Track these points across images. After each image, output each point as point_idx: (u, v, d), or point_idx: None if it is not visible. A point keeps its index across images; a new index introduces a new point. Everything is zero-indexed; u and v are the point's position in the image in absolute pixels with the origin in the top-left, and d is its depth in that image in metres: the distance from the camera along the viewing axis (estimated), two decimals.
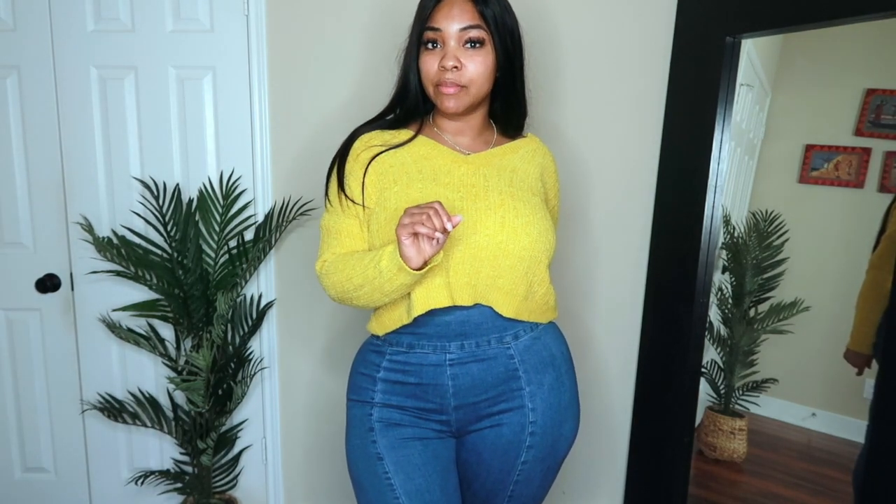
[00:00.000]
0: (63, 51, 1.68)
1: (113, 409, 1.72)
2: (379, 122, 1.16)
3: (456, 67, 1.04)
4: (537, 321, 1.12)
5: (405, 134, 1.14)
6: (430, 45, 1.06)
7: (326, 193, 1.14)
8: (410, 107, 1.14)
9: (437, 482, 1.06)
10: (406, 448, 1.06)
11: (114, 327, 1.66)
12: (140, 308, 1.71)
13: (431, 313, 1.05)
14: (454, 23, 1.03)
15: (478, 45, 1.04)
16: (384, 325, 1.10)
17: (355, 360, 1.19)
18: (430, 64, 1.06)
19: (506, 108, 1.17)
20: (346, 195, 1.10)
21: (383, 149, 1.11)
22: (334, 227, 1.12)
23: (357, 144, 1.13)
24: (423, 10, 1.07)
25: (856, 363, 1.44)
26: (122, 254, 1.59)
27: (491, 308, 1.06)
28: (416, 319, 1.06)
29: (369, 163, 1.10)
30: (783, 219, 1.59)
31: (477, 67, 1.05)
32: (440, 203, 0.91)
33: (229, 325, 1.74)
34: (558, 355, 1.14)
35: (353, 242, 1.11)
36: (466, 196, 1.06)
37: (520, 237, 1.04)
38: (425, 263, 0.95)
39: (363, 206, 1.10)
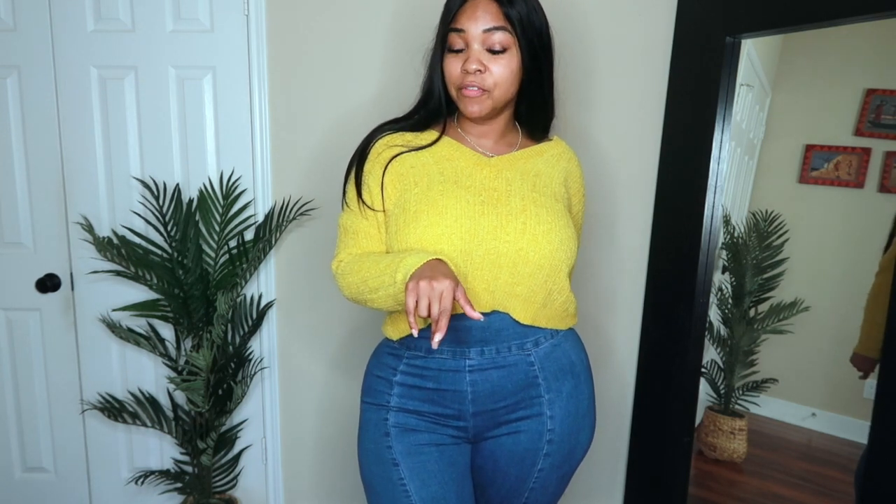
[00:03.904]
0: (63, 51, 1.68)
1: (113, 409, 1.72)
2: (402, 124, 1.14)
3: (479, 71, 1.01)
4: (556, 328, 1.10)
5: (429, 136, 1.11)
6: (453, 48, 1.04)
7: (344, 193, 1.13)
8: (433, 109, 1.11)
9: (452, 489, 1.04)
10: (422, 454, 1.05)
11: (114, 327, 1.66)
12: (140, 308, 1.71)
13: (452, 318, 1.03)
14: (478, 24, 1.01)
15: (502, 51, 1.02)
16: (400, 329, 1.09)
17: (370, 362, 1.17)
18: (453, 67, 1.04)
19: (531, 111, 1.13)
20: (364, 202, 1.09)
21: (405, 149, 1.09)
22: (352, 226, 1.11)
23: (378, 144, 1.11)
24: (447, 11, 1.05)
25: (862, 367, 1.43)
26: (123, 254, 1.59)
27: (509, 315, 1.04)
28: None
29: (389, 162, 1.08)
30: (783, 219, 1.59)
31: (501, 71, 1.02)
32: (455, 291, 0.87)
33: (229, 325, 1.74)
34: (578, 363, 1.12)
35: (371, 243, 1.09)
36: (487, 200, 1.04)
37: (541, 244, 1.02)
38: None
39: (383, 210, 1.08)
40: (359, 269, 1.04)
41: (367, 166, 1.10)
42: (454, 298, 0.88)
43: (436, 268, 0.91)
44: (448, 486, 1.04)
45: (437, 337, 0.85)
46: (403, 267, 0.94)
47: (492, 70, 1.02)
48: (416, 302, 0.87)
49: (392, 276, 0.96)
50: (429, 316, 0.87)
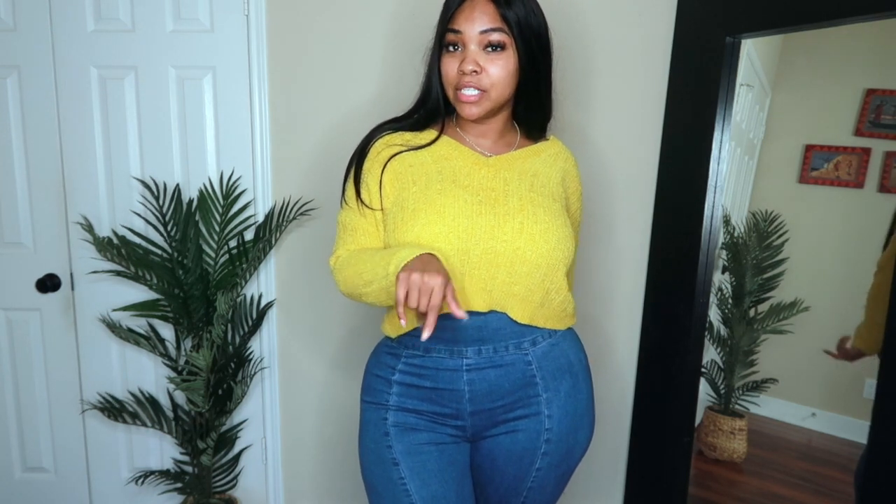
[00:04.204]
0: (63, 51, 1.68)
1: (113, 409, 1.72)
2: (401, 123, 1.15)
3: (475, 71, 1.02)
4: (554, 328, 1.10)
5: (428, 135, 1.12)
6: (451, 48, 1.05)
7: (343, 191, 1.13)
8: (432, 109, 1.12)
9: (452, 488, 1.05)
10: (422, 454, 1.05)
11: (114, 327, 1.66)
12: (140, 308, 1.71)
13: (447, 317, 1.03)
14: (475, 25, 1.01)
15: (499, 48, 1.02)
16: (397, 327, 1.09)
17: (369, 361, 1.17)
18: (450, 67, 1.05)
19: (529, 111, 1.14)
20: (362, 201, 1.09)
21: (404, 149, 1.10)
22: (350, 223, 1.11)
23: (377, 143, 1.12)
24: (446, 10, 1.06)
25: (847, 356, 1.43)
26: (123, 254, 1.59)
27: (507, 314, 1.04)
28: None
29: (388, 161, 1.09)
30: (783, 219, 1.59)
31: (498, 72, 1.02)
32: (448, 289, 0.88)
33: (229, 325, 1.74)
34: (576, 362, 1.13)
35: (369, 240, 1.10)
36: (485, 200, 1.05)
37: (538, 244, 1.02)
38: None
39: (381, 209, 1.09)
40: (354, 262, 1.05)
41: (367, 165, 1.10)
42: (444, 297, 0.88)
43: (429, 263, 0.91)
44: (448, 485, 1.05)
45: (426, 334, 0.86)
46: (396, 259, 0.94)
47: (488, 71, 1.02)
48: (407, 294, 0.87)
49: (385, 268, 0.96)
50: (418, 309, 0.88)
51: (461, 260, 1.01)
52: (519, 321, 1.05)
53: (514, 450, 1.09)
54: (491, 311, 1.04)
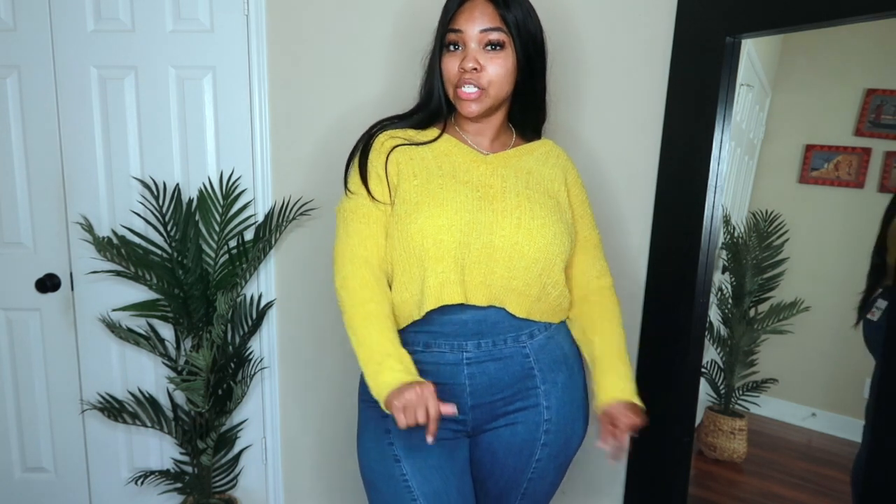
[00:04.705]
0: (63, 51, 1.68)
1: (113, 409, 1.72)
2: (403, 122, 1.17)
3: (476, 69, 1.04)
4: (550, 321, 1.13)
5: (431, 133, 1.14)
6: (451, 47, 1.07)
7: (346, 183, 1.14)
8: (434, 109, 1.14)
9: (454, 484, 1.06)
10: (423, 450, 1.06)
11: (114, 327, 1.66)
12: (140, 308, 1.71)
13: (447, 312, 1.05)
14: (475, 25, 1.04)
15: (498, 47, 1.05)
16: (396, 323, 1.09)
17: None
18: (451, 65, 1.07)
19: (524, 112, 1.16)
20: (371, 193, 1.09)
21: (406, 142, 1.12)
22: (359, 211, 1.10)
23: (381, 135, 1.14)
24: (446, 12, 1.09)
25: None
26: (122, 254, 1.59)
27: (505, 309, 1.06)
28: (432, 319, 1.05)
29: (390, 152, 1.10)
30: (783, 219, 1.59)
31: (497, 70, 1.05)
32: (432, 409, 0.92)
33: (229, 325, 1.73)
34: (571, 354, 1.15)
35: (377, 229, 1.09)
36: (484, 196, 1.07)
37: (535, 239, 1.05)
38: None
39: (390, 197, 1.09)
40: (358, 321, 1.05)
41: (372, 155, 1.12)
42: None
43: (413, 390, 0.93)
44: (449, 481, 1.06)
45: (430, 439, 0.93)
46: (384, 377, 0.97)
47: (487, 69, 1.05)
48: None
49: (375, 370, 0.99)
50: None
51: (462, 253, 1.03)
52: (516, 315, 1.07)
53: (513, 442, 1.10)
54: (490, 306, 1.06)
